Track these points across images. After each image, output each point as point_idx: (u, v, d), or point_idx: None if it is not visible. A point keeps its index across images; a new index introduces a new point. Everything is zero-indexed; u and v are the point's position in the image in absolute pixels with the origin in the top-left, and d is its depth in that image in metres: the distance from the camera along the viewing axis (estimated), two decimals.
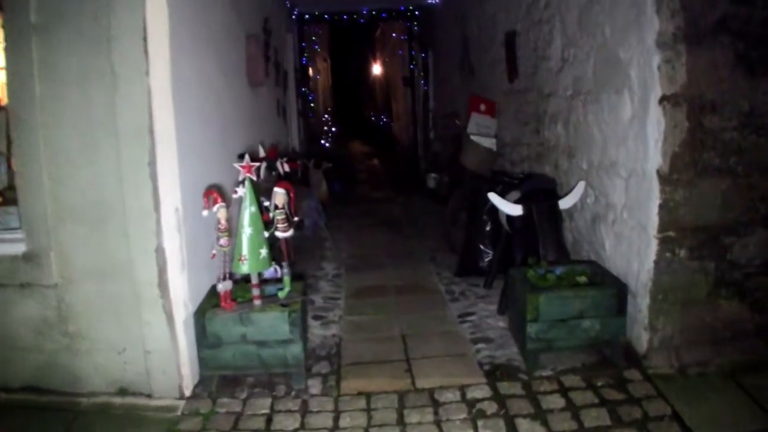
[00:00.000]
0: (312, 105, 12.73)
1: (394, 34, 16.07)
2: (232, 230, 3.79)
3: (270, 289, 4.16)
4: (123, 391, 3.81)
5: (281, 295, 3.96)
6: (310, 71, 13.46)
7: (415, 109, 13.44)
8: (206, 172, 4.21)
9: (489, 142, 6.87)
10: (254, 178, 3.76)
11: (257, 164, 3.77)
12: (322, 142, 13.88)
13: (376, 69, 20.77)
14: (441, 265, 6.37)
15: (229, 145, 4.92)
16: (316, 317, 5.09)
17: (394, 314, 5.12)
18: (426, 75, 12.28)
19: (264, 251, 3.80)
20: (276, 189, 3.85)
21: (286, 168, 5.79)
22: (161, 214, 3.53)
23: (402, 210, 9.65)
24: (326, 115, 14.84)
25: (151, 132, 3.45)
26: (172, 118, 3.62)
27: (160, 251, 3.56)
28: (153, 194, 3.49)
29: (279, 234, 3.88)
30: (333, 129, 15.17)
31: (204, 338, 3.77)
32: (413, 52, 13.24)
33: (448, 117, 8.45)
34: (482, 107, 6.95)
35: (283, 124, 8.83)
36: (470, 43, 8.48)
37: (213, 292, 3.93)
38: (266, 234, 3.80)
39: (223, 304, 3.77)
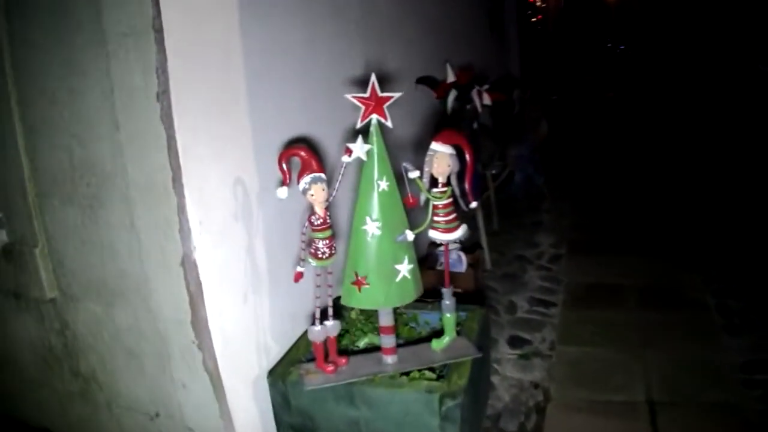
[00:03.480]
0: (538, 26, 10.27)
1: None
2: (338, 226, 1.87)
3: (426, 318, 2.24)
4: None
5: (436, 345, 2.00)
6: None
7: None
8: (324, 114, 2.28)
9: None
10: (388, 124, 1.76)
11: (394, 95, 1.75)
12: (550, 70, 11.35)
13: None
14: (708, 259, 3.91)
15: (387, 64, 2.94)
16: (513, 341, 3.09)
17: (637, 348, 2.95)
18: None
19: (406, 267, 1.86)
20: (435, 146, 1.84)
21: (486, 100, 3.75)
22: (186, 195, 1.68)
23: (651, 159, 6.62)
24: (556, 39, 12.21)
25: (159, 30, 1.58)
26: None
27: (189, 266, 1.74)
28: (168, 154, 1.64)
29: (437, 236, 1.89)
30: (563, 56, 12.50)
31: (286, 414, 1.97)
32: None
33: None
34: None
35: (498, 45, 6.59)
36: None
37: None
38: (411, 235, 1.83)
39: (319, 363, 1.90)
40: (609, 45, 16.17)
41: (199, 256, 1.74)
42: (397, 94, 1.75)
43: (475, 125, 3.78)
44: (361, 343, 2.17)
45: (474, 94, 3.67)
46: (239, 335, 1.94)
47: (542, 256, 4.21)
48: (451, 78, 3.63)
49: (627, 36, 15.54)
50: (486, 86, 3.73)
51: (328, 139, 2.22)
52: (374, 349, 2.06)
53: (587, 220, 4.89)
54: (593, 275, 3.85)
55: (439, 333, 2.07)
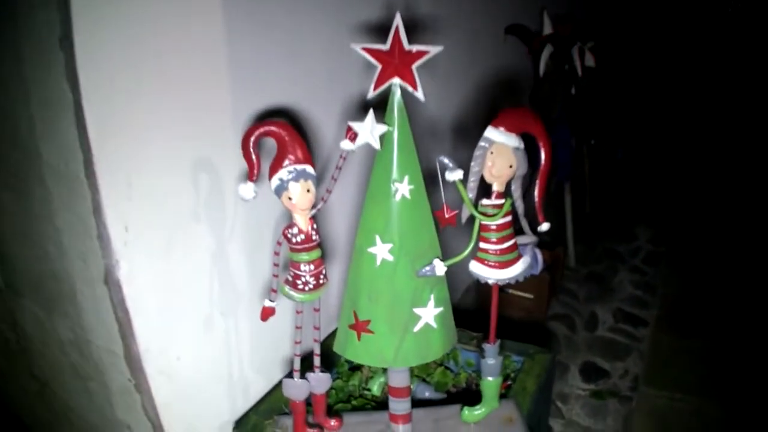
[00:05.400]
0: None
1: None
2: (330, 242, 1.25)
3: (469, 357, 1.62)
4: None
5: (468, 417, 1.36)
6: None
7: None
8: (326, 76, 1.62)
9: None
10: (419, 95, 1.09)
11: (430, 50, 1.06)
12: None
13: None
14: None
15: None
16: (587, 370, 2.43)
17: (747, 403, 2.21)
18: None
19: (432, 312, 1.21)
20: (492, 134, 1.16)
21: (590, 61, 3.00)
22: (102, 190, 1.09)
23: None
24: None
25: None
26: None
27: (113, 286, 1.16)
28: (77, 129, 1.05)
29: (483, 272, 1.22)
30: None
31: None
32: None
33: None
34: None
35: None
36: None
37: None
38: (441, 267, 1.17)
39: (298, 427, 1.31)
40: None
41: (126, 274, 1.16)
42: (435, 49, 1.07)
43: (573, 90, 3.03)
44: (375, 386, 1.58)
45: (575, 51, 2.92)
46: (198, 371, 1.37)
47: (637, 253, 3.44)
48: (548, 30, 2.88)
49: None
50: (590, 44, 2.95)
51: (323, 114, 1.56)
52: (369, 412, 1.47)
53: (698, 211, 3.99)
54: (698, 287, 3.06)
55: None
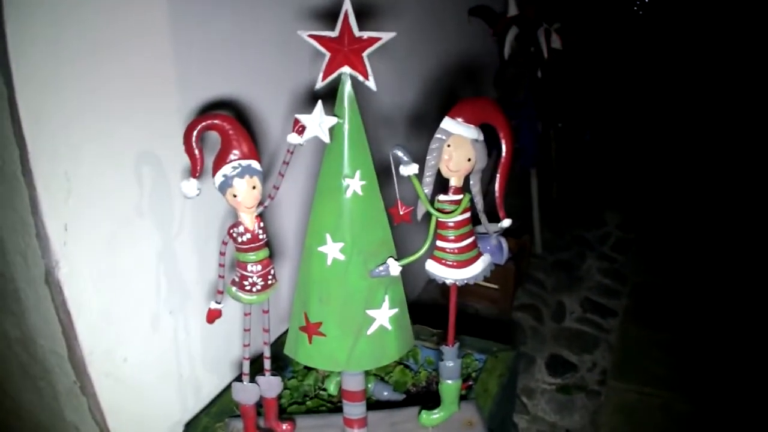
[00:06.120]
0: None
1: None
2: (280, 241, 1.21)
3: (429, 355, 1.61)
4: None
5: (426, 421, 1.34)
6: None
7: None
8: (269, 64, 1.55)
9: None
10: (370, 84, 1.04)
11: (382, 37, 1.02)
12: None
13: None
14: None
15: None
16: (554, 363, 2.46)
17: (717, 399, 2.23)
18: None
19: (386, 314, 1.18)
20: (450, 125, 1.12)
21: (556, 43, 2.98)
22: (38, 186, 1.04)
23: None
24: None
25: None
26: None
27: (54, 287, 1.11)
28: (12, 120, 1.00)
29: (440, 272, 1.20)
30: None
31: None
32: None
33: None
34: None
35: None
36: None
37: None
38: (396, 267, 1.14)
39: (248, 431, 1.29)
40: None
41: (67, 275, 1.11)
42: (387, 35, 1.03)
43: (539, 73, 3.02)
44: (332, 386, 1.54)
45: (541, 33, 2.89)
46: (146, 372, 1.33)
47: (606, 239, 3.45)
48: (513, 11, 2.85)
49: None
50: (557, 25, 2.93)
51: (269, 106, 1.51)
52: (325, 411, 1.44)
53: (669, 195, 3.96)
54: (668, 276, 3.07)
55: None
